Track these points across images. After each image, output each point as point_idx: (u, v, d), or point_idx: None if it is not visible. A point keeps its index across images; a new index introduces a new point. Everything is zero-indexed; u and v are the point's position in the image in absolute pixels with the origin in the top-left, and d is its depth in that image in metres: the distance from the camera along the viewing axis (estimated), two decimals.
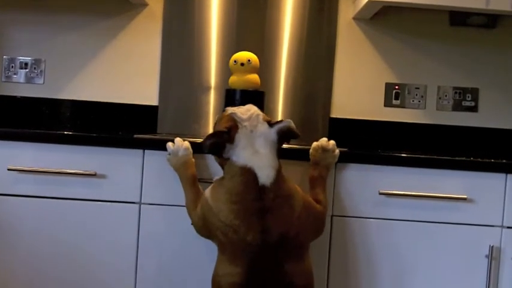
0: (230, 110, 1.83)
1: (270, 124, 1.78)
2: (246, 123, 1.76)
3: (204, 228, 1.84)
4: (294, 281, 1.74)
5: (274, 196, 1.72)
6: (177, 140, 1.95)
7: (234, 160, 1.74)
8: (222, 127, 1.78)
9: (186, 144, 1.95)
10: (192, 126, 2.68)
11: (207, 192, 1.82)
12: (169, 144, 1.95)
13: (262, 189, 1.71)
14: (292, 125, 1.78)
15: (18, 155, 2.03)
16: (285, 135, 1.78)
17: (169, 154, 1.95)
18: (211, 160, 1.98)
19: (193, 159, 1.96)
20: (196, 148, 1.95)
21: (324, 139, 1.97)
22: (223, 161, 1.79)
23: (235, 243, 1.73)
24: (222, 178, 1.80)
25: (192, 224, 1.92)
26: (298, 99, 2.69)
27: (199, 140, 1.91)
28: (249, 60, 2.23)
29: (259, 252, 1.71)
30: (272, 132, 1.77)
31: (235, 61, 2.24)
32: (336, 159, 1.98)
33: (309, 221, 1.81)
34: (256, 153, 1.74)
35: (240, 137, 1.75)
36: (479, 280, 2.05)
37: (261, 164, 1.73)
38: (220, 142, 1.75)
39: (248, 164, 1.72)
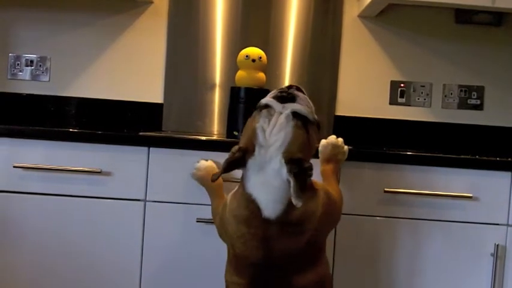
0: (261, 121, 1.61)
1: (288, 163, 1.55)
2: (262, 151, 1.58)
3: (221, 233, 1.80)
4: None
5: (281, 226, 1.59)
6: (201, 160, 1.97)
7: (245, 181, 1.63)
8: (241, 142, 1.64)
9: (210, 161, 1.97)
10: (196, 124, 2.68)
11: (229, 196, 1.74)
12: (195, 163, 1.97)
13: (267, 220, 1.59)
14: (306, 173, 1.56)
15: (23, 153, 2.03)
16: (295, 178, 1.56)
17: (194, 170, 1.96)
18: None
19: (218, 172, 1.92)
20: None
21: (333, 136, 1.95)
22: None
23: (239, 256, 1.67)
24: (239, 187, 1.69)
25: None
26: None
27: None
28: (260, 57, 2.23)
29: (263, 269, 1.64)
30: (283, 173, 1.56)
31: (246, 56, 2.23)
32: (346, 156, 1.95)
33: (327, 222, 1.73)
34: (265, 184, 1.58)
35: (252, 164, 1.60)
36: (484, 278, 2.04)
37: (267, 197, 1.58)
38: (234, 165, 1.62)
39: (253, 194, 1.59)
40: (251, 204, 1.61)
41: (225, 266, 1.77)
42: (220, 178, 1.89)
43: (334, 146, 1.93)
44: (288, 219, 1.60)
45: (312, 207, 1.65)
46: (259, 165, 1.59)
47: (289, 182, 1.54)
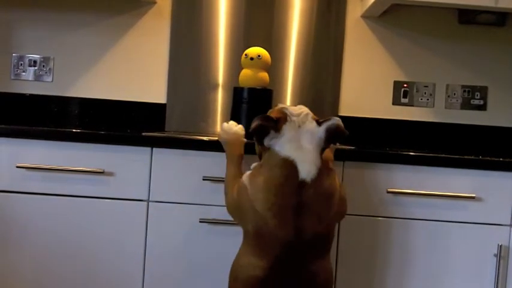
0: (281, 105, 1.82)
1: (319, 123, 1.75)
2: (295, 118, 1.74)
3: (237, 212, 1.81)
4: (317, 278, 1.71)
5: (314, 193, 1.69)
6: (231, 122, 1.97)
7: (276, 150, 1.71)
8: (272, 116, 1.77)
9: (241, 126, 1.96)
10: (199, 124, 2.68)
11: (245, 178, 1.77)
12: (225, 123, 1.96)
13: (302, 184, 1.68)
14: (340, 123, 1.74)
15: (26, 153, 2.03)
16: (333, 133, 1.74)
17: (222, 131, 1.95)
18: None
19: (244, 141, 1.94)
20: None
21: None
22: (263, 149, 1.76)
23: (265, 235, 1.69)
24: (261, 166, 1.75)
25: (225, 203, 1.88)
26: (306, 97, 2.68)
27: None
28: (258, 56, 2.23)
29: (289, 248, 1.67)
30: (320, 131, 1.73)
31: (245, 55, 2.24)
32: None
33: (339, 214, 1.81)
34: (300, 148, 1.71)
35: (287, 129, 1.72)
36: (487, 279, 2.04)
37: (304, 158, 1.69)
38: (265, 126, 1.72)
39: (291, 156, 1.69)
40: (287, 168, 1.69)
41: (237, 254, 1.77)
42: (243, 150, 1.93)
43: None
44: (320, 186, 1.70)
45: (334, 184, 1.76)
46: (295, 130, 1.73)
47: (326, 132, 1.73)
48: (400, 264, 2.05)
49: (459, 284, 2.05)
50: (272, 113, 1.81)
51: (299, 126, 1.73)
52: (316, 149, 1.72)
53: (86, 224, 2.04)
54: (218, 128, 2.68)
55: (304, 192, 1.68)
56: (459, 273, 2.05)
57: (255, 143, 1.82)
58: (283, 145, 1.71)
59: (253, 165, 1.81)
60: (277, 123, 1.73)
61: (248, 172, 1.79)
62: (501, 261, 2.04)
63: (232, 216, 1.85)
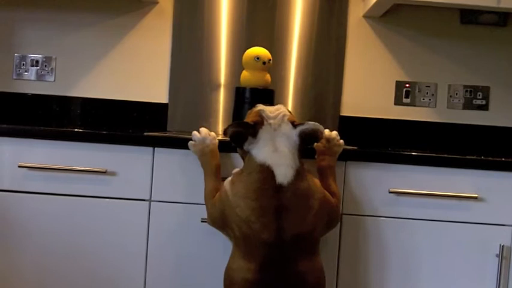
0: (260, 106, 1.84)
1: (294, 125, 1.79)
2: (271, 121, 1.78)
3: (220, 220, 1.83)
4: (306, 279, 1.75)
5: (292, 195, 1.72)
6: (204, 129, 1.96)
7: (253, 155, 1.76)
8: (249, 121, 1.80)
9: (213, 134, 1.96)
10: (201, 124, 2.68)
11: (227, 184, 1.81)
12: (195, 132, 1.95)
13: (280, 187, 1.72)
14: (317, 127, 1.78)
15: (28, 152, 2.04)
16: (307, 137, 1.79)
17: (194, 141, 1.94)
18: (236, 159, 1.99)
19: (218, 151, 1.95)
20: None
21: (326, 130, 1.96)
22: (244, 153, 1.81)
23: (250, 238, 1.73)
24: (241, 172, 1.80)
25: (207, 215, 1.90)
26: (308, 97, 2.68)
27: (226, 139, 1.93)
28: (269, 60, 2.22)
29: (273, 249, 1.71)
30: (294, 134, 1.78)
31: (257, 58, 2.21)
32: (342, 148, 1.96)
33: (324, 217, 1.82)
34: (276, 151, 1.75)
35: (263, 133, 1.77)
36: (489, 279, 2.04)
37: (280, 162, 1.74)
38: (243, 133, 1.76)
39: (267, 161, 1.73)
40: (264, 173, 1.73)
41: (229, 257, 1.81)
42: (219, 160, 1.95)
43: (328, 140, 1.95)
44: (297, 188, 1.74)
45: (313, 186, 1.79)
46: (271, 133, 1.77)
47: (300, 137, 1.77)
48: (401, 264, 2.05)
49: (461, 284, 2.05)
50: (249, 116, 1.84)
51: (274, 130, 1.78)
52: (292, 152, 1.77)
53: (87, 224, 2.04)
54: (220, 128, 2.68)
55: (283, 195, 1.72)
56: (461, 273, 2.05)
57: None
58: (260, 150, 1.76)
59: (235, 171, 1.85)
60: (254, 127, 1.77)
61: (229, 178, 1.83)
62: (503, 262, 2.03)
63: (216, 227, 1.88)
